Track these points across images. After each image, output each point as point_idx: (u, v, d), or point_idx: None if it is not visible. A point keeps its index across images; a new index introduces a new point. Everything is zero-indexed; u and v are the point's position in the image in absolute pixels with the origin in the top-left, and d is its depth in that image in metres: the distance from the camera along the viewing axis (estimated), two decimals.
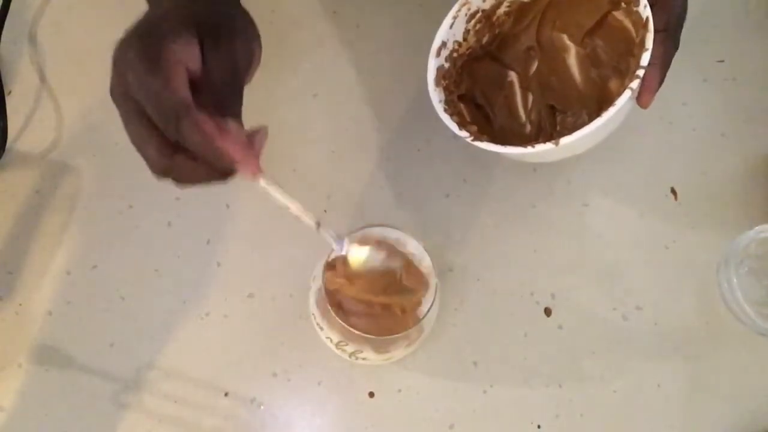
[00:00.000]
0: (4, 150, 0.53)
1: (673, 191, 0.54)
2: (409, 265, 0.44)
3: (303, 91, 0.56)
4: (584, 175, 0.55)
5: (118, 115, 0.33)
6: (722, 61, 0.58)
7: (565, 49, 0.50)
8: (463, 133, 0.44)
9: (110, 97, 0.33)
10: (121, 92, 0.33)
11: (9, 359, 0.48)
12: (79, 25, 0.57)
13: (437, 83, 0.46)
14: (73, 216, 0.52)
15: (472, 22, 0.49)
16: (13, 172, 0.53)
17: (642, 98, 0.42)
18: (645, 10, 0.41)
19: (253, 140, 0.34)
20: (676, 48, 0.42)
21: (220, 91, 0.35)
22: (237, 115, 0.35)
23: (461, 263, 0.52)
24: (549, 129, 0.50)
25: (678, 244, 0.53)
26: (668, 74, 0.42)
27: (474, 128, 0.46)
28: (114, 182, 0.53)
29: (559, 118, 0.50)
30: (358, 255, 0.41)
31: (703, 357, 0.50)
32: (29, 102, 0.55)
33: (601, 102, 0.47)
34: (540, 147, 0.40)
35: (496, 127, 0.51)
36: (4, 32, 0.56)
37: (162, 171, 0.33)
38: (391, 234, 0.45)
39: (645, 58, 0.40)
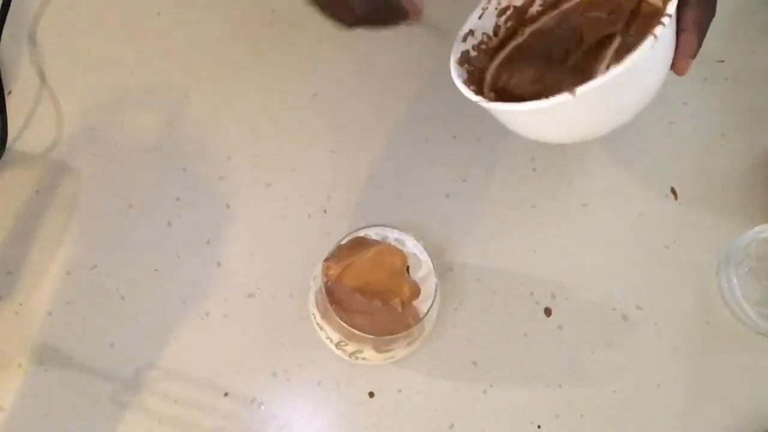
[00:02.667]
0: (4, 150, 0.53)
1: (673, 191, 0.54)
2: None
3: (303, 91, 0.56)
4: (584, 175, 0.55)
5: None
6: (722, 61, 0.58)
7: (602, 45, 0.47)
8: (477, 98, 0.42)
9: None
10: None
11: (9, 359, 0.48)
12: (79, 25, 0.57)
13: (461, 63, 0.45)
14: (73, 216, 0.52)
15: (503, 17, 0.48)
16: (13, 171, 0.53)
17: (678, 65, 0.40)
18: None
19: None
20: (713, 13, 0.40)
21: None
22: None
23: (461, 263, 0.52)
24: None
25: (678, 244, 0.53)
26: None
27: (492, 95, 0.45)
28: (114, 182, 0.53)
29: None
30: None
31: (703, 357, 0.50)
32: (29, 102, 0.55)
33: None
34: (554, 99, 0.38)
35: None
36: (4, 32, 0.56)
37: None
38: (391, 234, 0.45)
39: (671, 7, 0.37)
